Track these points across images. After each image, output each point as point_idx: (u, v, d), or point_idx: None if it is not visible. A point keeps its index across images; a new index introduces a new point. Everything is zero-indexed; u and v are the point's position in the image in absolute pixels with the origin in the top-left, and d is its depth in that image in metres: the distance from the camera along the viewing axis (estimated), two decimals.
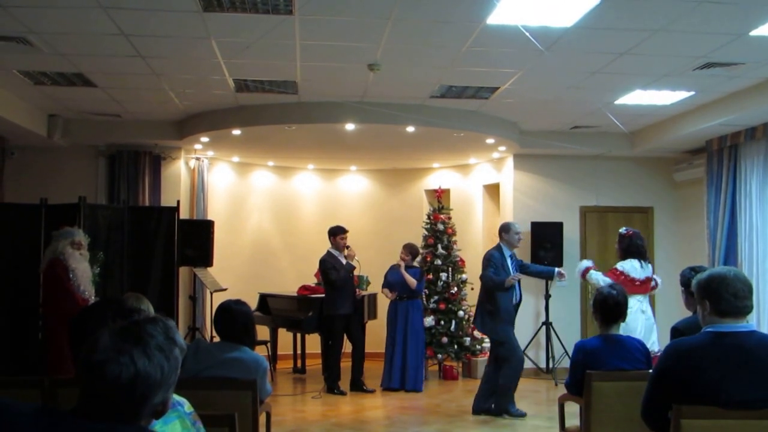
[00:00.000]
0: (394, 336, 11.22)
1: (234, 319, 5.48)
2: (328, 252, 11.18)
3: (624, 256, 8.73)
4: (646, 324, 8.49)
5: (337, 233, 11.14)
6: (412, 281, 11.03)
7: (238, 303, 5.63)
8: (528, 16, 6.59)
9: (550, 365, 12.14)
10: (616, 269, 8.68)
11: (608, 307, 5.73)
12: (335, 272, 10.92)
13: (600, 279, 8.58)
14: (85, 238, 8.80)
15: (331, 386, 11.00)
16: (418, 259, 11.72)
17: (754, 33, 6.96)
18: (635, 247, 8.70)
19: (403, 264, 11.18)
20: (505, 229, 9.48)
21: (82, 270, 8.58)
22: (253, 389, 5.09)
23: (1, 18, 6.68)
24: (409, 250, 11.42)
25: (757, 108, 9.14)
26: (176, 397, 2.95)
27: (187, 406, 2.98)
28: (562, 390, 6.25)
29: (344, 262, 11.03)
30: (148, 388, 2.18)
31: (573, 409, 6.16)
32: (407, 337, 11.12)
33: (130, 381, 2.14)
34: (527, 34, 6.91)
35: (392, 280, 11.23)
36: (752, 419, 3.88)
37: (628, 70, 8.33)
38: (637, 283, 8.55)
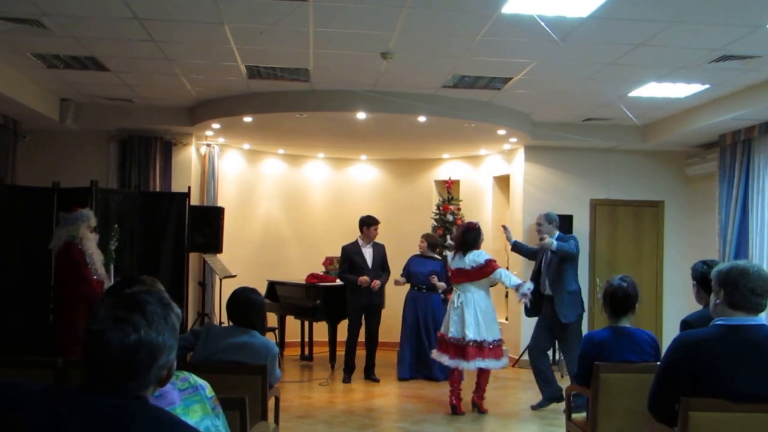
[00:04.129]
0: (415, 327, 11.27)
1: (248, 307, 5.51)
2: (354, 241, 11.31)
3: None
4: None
5: (369, 224, 11.21)
6: (442, 285, 11.07)
7: (253, 291, 5.67)
8: (543, 5, 6.57)
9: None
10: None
11: (618, 300, 5.73)
12: (341, 266, 11.22)
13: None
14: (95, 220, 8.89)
15: (349, 378, 11.10)
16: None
17: None
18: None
19: (423, 250, 11.38)
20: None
21: (98, 254, 8.68)
22: (263, 374, 5.13)
23: (15, 0, 6.71)
24: (427, 239, 11.45)
25: None
26: (198, 380, 2.97)
27: (209, 390, 2.99)
28: (568, 381, 6.26)
29: (369, 253, 11.14)
30: (151, 351, 2.19)
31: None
32: (429, 328, 11.16)
33: (134, 346, 2.15)
34: (542, 23, 6.90)
35: (414, 271, 11.25)
36: (760, 413, 3.89)
37: (643, 61, 8.30)
38: None
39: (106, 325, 2.15)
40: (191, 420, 2.80)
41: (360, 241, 11.24)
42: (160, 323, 2.23)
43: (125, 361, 2.16)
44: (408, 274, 11.30)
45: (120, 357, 2.15)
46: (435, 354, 9.41)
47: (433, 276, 11.03)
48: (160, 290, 2.39)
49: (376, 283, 10.95)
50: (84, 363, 2.21)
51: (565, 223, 12.05)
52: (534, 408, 9.32)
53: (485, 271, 9.02)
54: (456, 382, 9.19)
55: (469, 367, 8.94)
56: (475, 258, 9.07)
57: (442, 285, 11.03)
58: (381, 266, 11.26)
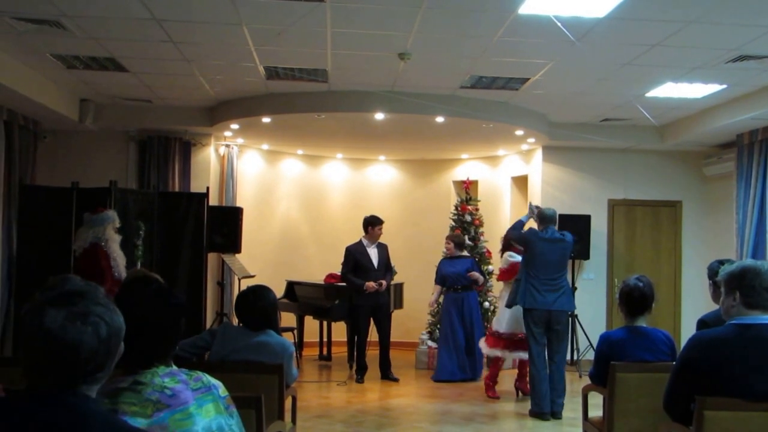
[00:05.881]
0: (453, 327, 11.23)
1: (253, 306, 5.51)
2: (358, 241, 11.30)
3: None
4: None
5: (375, 224, 11.21)
6: (479, 277, 11.21)
7: (261, 288, 5.65)
8: (560, 6, 6.57)
9: (575, 357, 12.12)
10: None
11: (634, 300, 5.72)
12: (345, 266, 11.19)
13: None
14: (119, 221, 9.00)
15: (362, 378, 11.10)
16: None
17: None
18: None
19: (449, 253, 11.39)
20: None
21: (121, 256, 8.75)
22: (279, 373, 5.14)
23: (35, 1, 6.76)
24: (453, 239, 11.47)
25: None
26: (212, 379, 2.98)
27: (222, 390, 3.00)
28: (586, 381, 6.25)
29: (375, 254, 11.13)
30: (117, 336, 2.22)
31: (596, 400, 6.18)
32: (473, 327, 11.20)
33: (107, 336, 2.17)
34: (559, 24, 6.90)
35: (447, 273, 11.26)
36: None
37: (660, 62, 8.29)
38: None
39: (72, 325, 2.13)
40: (204, 419, 2.81)
41: (364, 241, 11.25)
42: (110, 305, 2.25)
43: (101, 356, 2.17)
44: (442, 278, 11.29)
45: (96, 354, 2.16)
46: (485, 348, 10.09)
47: (472, 273, 11.16)
48: (80, 281, 2.38)
49: (384, 284, 10.99)
50: (38, 369, 2.17)
51: (582, 223, 12.04)
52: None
53: None
54: (497, 372, 10.05)
55: (523, 356, 9.70)
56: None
57: (480, 277, 11.24)
58: (386, 266, 11.27)
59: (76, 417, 2.13)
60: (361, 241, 11.28)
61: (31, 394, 2.16)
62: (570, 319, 9.23)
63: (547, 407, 8.99)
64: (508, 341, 9.89)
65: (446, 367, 11.21)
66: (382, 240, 11.33)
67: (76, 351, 2.12)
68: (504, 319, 9.96)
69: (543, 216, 9.31)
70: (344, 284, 11.66)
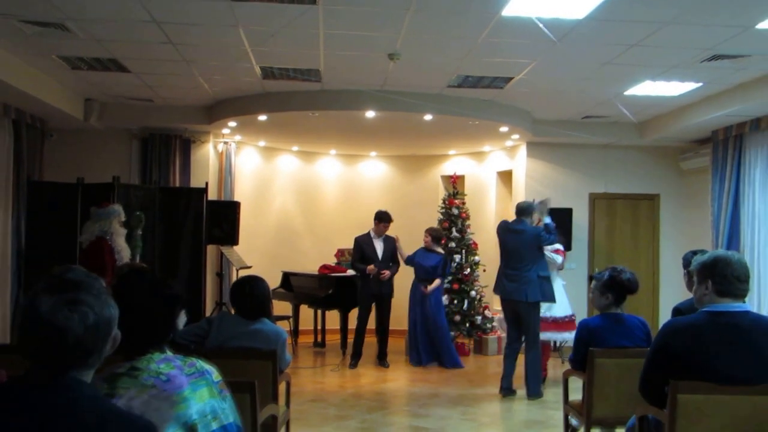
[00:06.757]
0: (416, 317, 11.33)
1: (248, 296, 5.50)
2: (367, 233, 11.37)
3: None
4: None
5: (381, 220, 11.26)
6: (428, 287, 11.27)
7: (254, 279, 5.64)
8: (541, 7, 6.56)
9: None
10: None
11: (626, 287, 5.75)
12: (353, 256, 11.35)
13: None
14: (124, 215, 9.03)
15: (355, 364, 11.13)
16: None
17: (760, 26, 6.89)
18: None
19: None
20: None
21: (126, 249, 8.74)
22: (273, 359, 5.15)
23: (39, 4, 6.74)
24: (430, 233, 11.48)
25: (763, 99, 9.06)
26: (205, 365, 2.99)
27: (215, 375, 3.01)
28: (567, 366, 6.27)
29: (380, 246, 11.19)
30: (107, 326, 2.22)
31: (577, 384, 6.18)
32: (433, 317, 11.26)
33: (94, 325, 2.17)
34: (541, 25, 6.90)
35: (419, 263, 11.34)
36: (746, 395, 3.89)
37: (638, 61, 8.29)
38: None
39: (59, 311, 2.14)
40: (198, 403, 2.82)
41: (372, 233, 11.29)
42: (102, 296, 2.25)
43: (88, 343, 2.17)
44: (414, 265, 11.36)
45: (82, 341, 2.15)
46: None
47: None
48: (78, 268, 2.39)
49: (385, 273, 10.97)
50: (33, 354, 2.18)
51: (565, 216, 12.04)
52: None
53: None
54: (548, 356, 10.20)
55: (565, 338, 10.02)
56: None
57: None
58: (390, 258, 11.27)
59: (68, 400, 2.13)
60: (369, 232, 11.35)
61: (28, 379, 2.17)
62: (531, 308, 9.08)
63: (503, 384, 9.22)
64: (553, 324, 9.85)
65: (416, 351, 11.33)
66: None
67: (62, 336, 2.13)
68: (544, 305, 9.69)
69: (516, 209, 9.40)
70: (337, 275, 11.84)
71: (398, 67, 8.69)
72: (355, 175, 14.96)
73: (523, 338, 9.26)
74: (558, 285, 9.77)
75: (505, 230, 9.29)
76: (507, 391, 9.18)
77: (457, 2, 6.55)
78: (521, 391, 9.18)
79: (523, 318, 9.10)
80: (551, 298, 9.28)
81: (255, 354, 5.17)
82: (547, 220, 9.37)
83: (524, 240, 9.11)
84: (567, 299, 10.05)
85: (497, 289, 9.40)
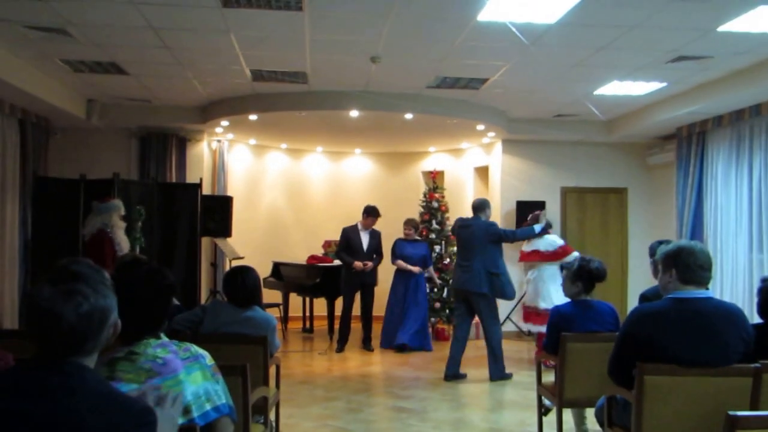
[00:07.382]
0: (399, 301, 11.30)
1: (239, 285, 5.49)
2: (354, 224, 11.33)
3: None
4: None
5: (369, 214, 11.22)
6: (415, 268, 11.25)
7: (245, 269, 5.62)
8: (515, 13, 6.57)
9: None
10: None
11: (595, 275, 5.77)
12: (339, 245, 11.37)
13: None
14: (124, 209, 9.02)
15: (341, 348, 11.11)
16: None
17: (721, 29, 6.92)
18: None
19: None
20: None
21: (126, 242, 8.71)
22: (264, 344, 5.14)
23: (43, 11, 6.70)
24: (412, 224, 11.48)
25: (724, 98, 9.10)
26: (199, 350, 3.01)
27: (208, 359, 3.03)
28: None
29: (366, 238, 11.17)
30: (102, 315, 2.22)
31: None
32: (422, 303, 11.32)
33: (88, 314, 2.17)
34: (514, 29, 6.90)
35: (406, 253, 11.32)
36: (708, 376, 3.91)
37: (606, 63, 8.30)
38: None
39: (56, 300, 2.15)
40: (192, 385, 2.84)
41: (360, 226, 11.26)
42: (101, 286, 2.25)
43: (81, 330, 2.17)
44: (401, 257, 11.30)
45: (75, 327, 2.16)
46: (531, 326, 10.09)
47: (429, 269, 11.54)
48: (85, 259, 2.40)
49: (369, 265, 10.97)
50: (34, 339, 2.20)
51: (538, 208, 12.00)
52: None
53: (558, 254, 9.75)
54: None
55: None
56: (551, 242, 9.89)
57: (437, 280, 11.74)
58: (375, 250, 11.25)
59: (69, 382, 2.14)
60: (356, 224, 11.31)
61: (33, 363, 2.20)
62: (481, 298, 9.05)
63: (448, 370, 9.16)
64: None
65: (392, 335, 11.29)
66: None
67: (57, 323, 2.14)
68: (548, 296, 9.69)
69: (472, 205, 9.48)
70: (324, 265, 11.82)
71: (380, 69, 8.69)
72: (341, 172, 14.92)
73: (468, 327, 9.35)
74: (557, 278, 9.73)
75: (459, 226, 9.33)
76: (451, 377, 9.14)
77: (435, 8, 6.55)
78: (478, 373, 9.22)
79: (474, 307, 9.11)
80: (501, 294, 9.08)
81: (246, 339, 5.16)
82: (538, 228, 9.61)
83: (474, 234, 9.07)
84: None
85: (452, 280, 9.49)
